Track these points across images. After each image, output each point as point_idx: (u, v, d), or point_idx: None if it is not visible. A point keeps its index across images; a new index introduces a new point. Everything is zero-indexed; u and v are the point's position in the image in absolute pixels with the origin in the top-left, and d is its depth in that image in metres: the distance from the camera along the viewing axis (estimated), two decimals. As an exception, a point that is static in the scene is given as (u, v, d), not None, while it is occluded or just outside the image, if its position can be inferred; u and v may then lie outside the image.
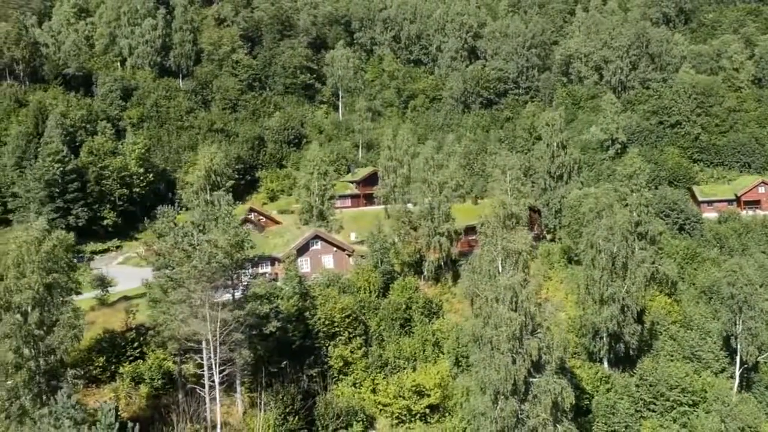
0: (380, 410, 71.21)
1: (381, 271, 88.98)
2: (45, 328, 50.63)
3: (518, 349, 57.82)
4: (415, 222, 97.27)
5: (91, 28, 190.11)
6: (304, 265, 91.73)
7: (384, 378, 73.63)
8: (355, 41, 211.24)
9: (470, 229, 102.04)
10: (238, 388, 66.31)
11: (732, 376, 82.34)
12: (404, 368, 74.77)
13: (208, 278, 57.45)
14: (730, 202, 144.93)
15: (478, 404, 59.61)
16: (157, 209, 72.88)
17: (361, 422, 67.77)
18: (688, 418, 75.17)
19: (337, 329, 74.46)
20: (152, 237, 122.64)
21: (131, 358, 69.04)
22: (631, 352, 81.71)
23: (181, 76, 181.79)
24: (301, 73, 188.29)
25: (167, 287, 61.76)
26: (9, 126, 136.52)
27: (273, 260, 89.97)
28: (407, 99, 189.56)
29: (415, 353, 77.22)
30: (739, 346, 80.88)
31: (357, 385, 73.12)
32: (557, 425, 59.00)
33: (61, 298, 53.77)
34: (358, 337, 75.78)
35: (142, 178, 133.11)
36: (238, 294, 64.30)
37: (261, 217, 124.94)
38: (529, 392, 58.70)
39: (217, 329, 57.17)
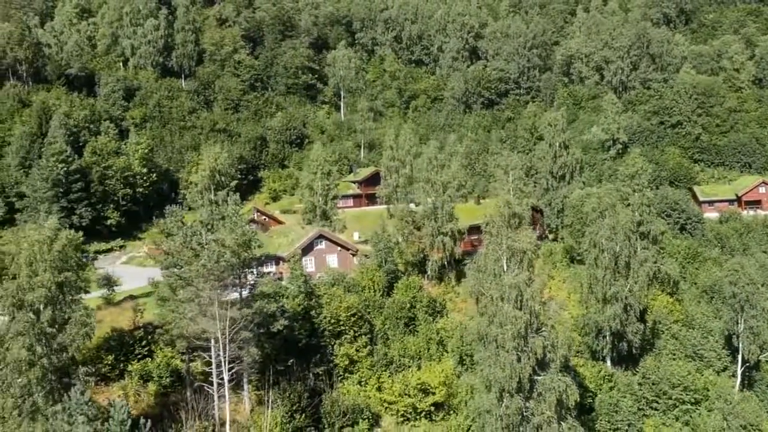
0: (385, 408, 71.87)
1: (385, 270, 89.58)
2: (57, 326, 51.25)
3: (523, 348, 58.35)
4: (419, 222, 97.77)
5: (93, 29, 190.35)
6: (309, 264, 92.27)
7: (389, 376, 74.24)
8: (356, 41, 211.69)
9: (473, 229, 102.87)
10: (246, 386, 66.87)
11: (734, 375, 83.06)
12: (409, 366, 75.37)
13: (216, 277, 58.02)
14: (730, 202, 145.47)
15: (484, 402, 60.22)
16: (165, 209, 73.09)
17: (366, 420, 68.38)
18: (691, 416, 75.93)
19: (342, 328, 75.05)
20: (156, 237, 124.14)
21: (140, 357, 69.67)
22: (633, 351, 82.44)
23: (183, 76, 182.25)
24: (302, 73, 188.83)
25: (176, 286, 62.32)
26: (13, 126, 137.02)
27: (278, 260, 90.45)
28: (408, 99, 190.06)
29: (419, 352, 77.78)
30: (740, 345, 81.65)
31: (362, 384, 73.74)
32: (561, 423, 59.53)
33: (71, 297, 54.32)
34: (363, 336, 76.39)
35: (145, 178, 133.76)
36: (245, 293, 64.80)
37: (264, 217, 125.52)
38: (534, 390, 59.25)
39: (226, 327, 57.71)
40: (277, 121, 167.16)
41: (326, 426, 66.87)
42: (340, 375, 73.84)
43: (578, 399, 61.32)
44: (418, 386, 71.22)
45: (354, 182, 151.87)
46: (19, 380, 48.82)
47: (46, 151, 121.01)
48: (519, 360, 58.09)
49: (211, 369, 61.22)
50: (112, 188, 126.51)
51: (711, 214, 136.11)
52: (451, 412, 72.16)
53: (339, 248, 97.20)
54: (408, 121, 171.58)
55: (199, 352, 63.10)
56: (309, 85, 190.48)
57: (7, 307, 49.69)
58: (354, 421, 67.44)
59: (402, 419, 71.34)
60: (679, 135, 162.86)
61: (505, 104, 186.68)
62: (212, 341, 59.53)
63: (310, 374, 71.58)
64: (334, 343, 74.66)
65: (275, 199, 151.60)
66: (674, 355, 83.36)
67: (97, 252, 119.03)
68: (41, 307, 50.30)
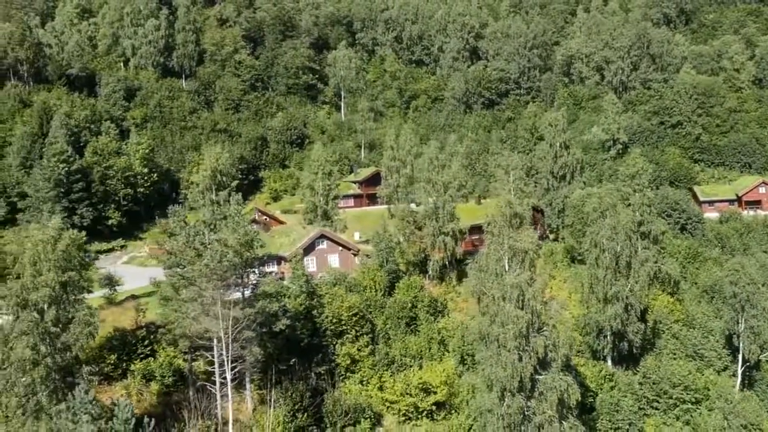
0: (387, 407, 72.05)
1: (386, 270, 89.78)
2: (61, 325, 51.48)
3: (525, 347, 58.53)
4: (420, 222, 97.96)
5: (94, 29, 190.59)
6: (310, 264, 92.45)
7: (391, 376, 74.42)
8: (356, 42, 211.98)
9: (474, 229, 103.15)
10: (248, 386, 67.13)
11: (734, 375, 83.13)
12: (410, 366, 75.56)
13: (219, 276, 58.21)
14: (731, 202, 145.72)
15: (485, 401, 60.39)
16: (167, 209, 73.24)
17: (368, 419, 68.57)
18: (691, 416, 76.05)
19: (344, 327, 75.24)
20: (157, 237, 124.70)
21: (142, 356, 69.88)
22: (634, 351, 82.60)
23: (184, 76, 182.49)
24: (303, 73, 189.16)
25: (179, 285, 62.52)
26: (14, 126, 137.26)
27: (279, 259, 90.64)
28: (409, 99, 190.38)
29: (421, 351, 77.97)
30: (741, 345, 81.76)
31: (364, 383, 73.93)
32: (563, 422, 59.76)
33: (74, 297, 54.54)
34: (365, 336, 76.58)
35: (146, 178, 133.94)
36: (247, 292, 64.99)
37: (265, 217, 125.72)
38: (536, 389, 59.43)
39: (229, 327, 57.90)
40: (277, 122, 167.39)
41: (328, 425, 67.07)
42: (342, 374, 74.02)
43: (579, 398, 61.49)
44: (420, 386, 71.40)
45: (354, 182, 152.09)
46: (23, 379, 49.06)
47: (47, 151, 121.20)
48: (520, 359, 58.28)
49: (214, 368, 61.37)
50: (113, 188, 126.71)
51: (711, 214, 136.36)
52: (453, 411, 72.34)
53: (340, 248, 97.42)
54: (408, 122, 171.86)
55: (201, 351, 63.29)
56: (309, 86, 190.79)
57: (12, 306, 49.93)
58: (356, 421, 67.62)
59: (404, 418, 71.53)
60: (680, 135, 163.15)
61: (505, 104, 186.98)
62: (215, 341, 59.74)
63: (312, 374, 71.81)
64: (336, 343, 74.85)
65: (276, 199, 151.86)
66: (675, 354, 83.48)
67: (98, 252, 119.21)
68: (45, 306, 50.56)
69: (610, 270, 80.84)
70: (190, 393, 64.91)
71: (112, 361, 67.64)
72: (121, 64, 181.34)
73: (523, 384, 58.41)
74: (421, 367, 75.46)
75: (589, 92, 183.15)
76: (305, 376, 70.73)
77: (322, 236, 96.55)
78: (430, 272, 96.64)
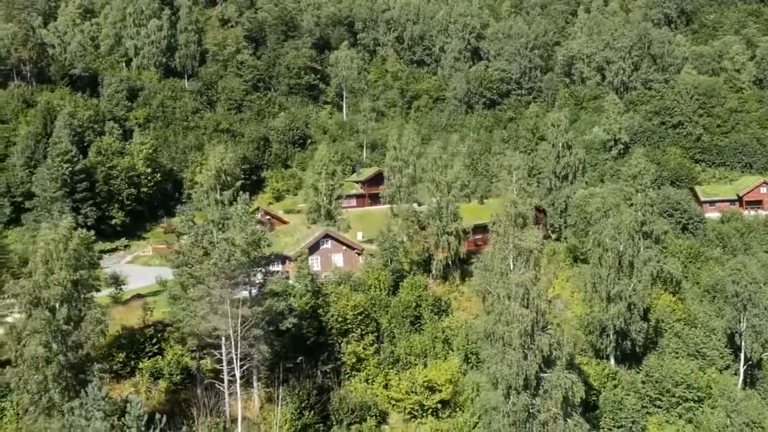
0: (392, 405, 72.57)
1: (391, 269, 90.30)
2: (72, 323, 52.02)
3: (530, 345, 59.13)
4: (424, 221, 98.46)
5: (96, 29, 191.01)
6: (315, 263, 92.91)
7: (396, 374, 74.97)
8: (358, 42, 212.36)
9: (477, 229, 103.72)
10: (255, 383, 67.66)
11: (736, 373, 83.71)
12: (415, 365, 76.07)
13: (227, 275, 58.72)
14: (732, 202, 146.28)
15: (491, 399, 60.97)
16: (174, 209, 73.72)
17: (374, 417, 69.07)
18: (694, 414, 76.64)
19: (349, 326, 75.73)
20: (161, 236, 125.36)
21: (150, 354, 70.46)
22: (637, 349, 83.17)
23: (186, 76, 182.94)
24: (305, 73, 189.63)
25: (187, 284, 63.04)
26: (18, 126, 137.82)
27: (284, 259, 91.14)
28: (410, 99, 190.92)
29: (425, 350, 78.50)
30: (743, 344, 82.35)
31: (369, 381, 74.45)
32: (567, 419, 60.33)
33: (84, 295, 55.08)
34: (370, 334, 77.06)
35: (149, 177, 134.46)
36: (254, 291, 65.51)
37: (268, 217, 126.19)
38: (540, 387, 60.02)
39: (238, 325, 58.42)
40: (279, 122, 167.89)
41: (334, 423, 67.63)
42: (348, 373, 74.52)
43: (584, 396, 62.07)
44: (425, 384, 71.89)
45: (357, 182, 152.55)
46: (36, 376, 49.59)
47: (51, 151, 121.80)
48: (525, 357, 58.89)
49: (221, 366, 61.87)
50: (117, 188, 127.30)
51: (712, 214, 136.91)
52: (458, 409, 72.84)
53: (344, 247, 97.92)
54: (410, 122, 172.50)
55: (209, 349, 63.81)
56: (311, 86, 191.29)
57: (24, 304, 50.50)
58: (362, 418, 68.19)
59: (409, 416, 72.02)
60: (681, 135, 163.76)
61: (506, 104, 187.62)
62: (223, 339, 60.22)
63: (318, 372, 72.33)
64: (342, 342, 75.37)
65: (278, 199, 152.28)
66: (677, 353, 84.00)
67: (102, 251, 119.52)
68: (57, 304, 51.10)
69: (613, 269, 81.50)
70: (198, 391, 65.46)
71: (121, 359, 68.25)
72: (124, 64, 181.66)
73: (528, 382, 59.00)
74: (425, 366, 75.97)
75: (590, 92, 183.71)
76: (311, 374, 71.23)
77: (327, 236, 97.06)
78: (434, 272, 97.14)
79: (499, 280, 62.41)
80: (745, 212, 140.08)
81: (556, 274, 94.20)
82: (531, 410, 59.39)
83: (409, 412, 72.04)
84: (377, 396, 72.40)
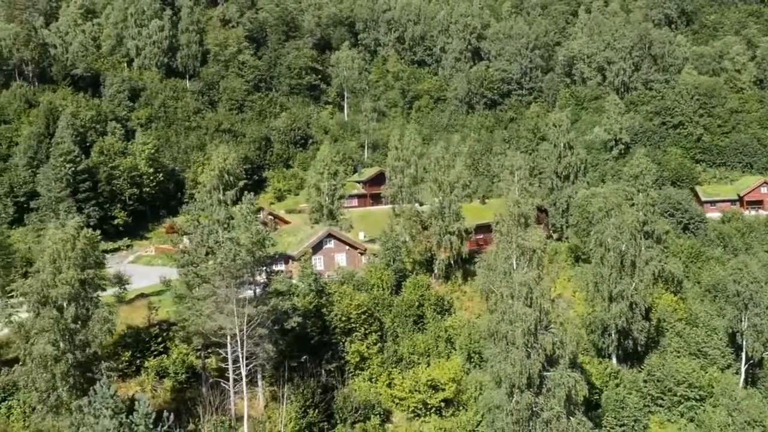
0: (396, 404, 72.87)
1: (393, 269, 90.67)
2: (80, 322, 52.38)
3: (533, 344, 59.52)
4: (426, 221, 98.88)
5: (97, 29, 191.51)
6: (318, 263, 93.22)
7: (399, 373, 75.28)
8: (359, 42, 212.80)
9: (479, 228, 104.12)
10: (260, 382, 68.03)
11: (737, 372, 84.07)
12: (418, 363, 76.40)
13: (232, 275, 59.08)
14: (732, 202, 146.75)
15: (494, 397, 61.38)
16: (178, 208, 74.06)
17: (378, 415, 69.42)
18: (696, 413, 77.07)
19: (353, 325, 76.08)
20: (163, 236, 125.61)
21: (155, 353, 70.85)
22: (638, 349, 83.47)
23: (187, 76, 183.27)
24: (306, 73, 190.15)
25: (193, 284, 63.40)
26: (20, 126, 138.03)
27: (287, 258, 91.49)
28: (411, 100, 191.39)
29: (428, 349, 78.84)
30: (744, 343, 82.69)
31: (373, 380, 74.74)
32: (570, 418, 60.70)
33: (90, 294, 55.44)
34: (373, 333, 77.39)
35: (151, 178, 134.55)
36: (258, 290, 65.87)
37: (271, 216, 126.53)
38: (544, 386, 60.38)
39: (244, 324, 58.79)
40: (281, 122, 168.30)
41: (338, 421, 67.94)
42: (351, 371, 74.86)
43: (587, 394, 62.48)
44: (428, 383, 72.19)
45: (358, 182, 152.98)
46: (44, 375, 49.95)
47: (54, 151, 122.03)
48: (529, 356, 59.26)
49: (226, 365, 62.21)
50: (119, 188, 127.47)
51: (713, 214, 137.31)
52: (461, 408, 73.18)
53: (347, 247, 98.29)
54: (411, 122, 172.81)
55: (214, 348, 64.16)
56: (312, 86, 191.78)
57: (33, 303, 50.88)
58: (365, 417, 68.50)
59: (412, 415, 72.35)
60: (681, 135, 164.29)
61: (507, 105, 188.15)
62: (228, 338, 60.56)
63: (322, 371, 72.65)
64: (345, 341, 75.70)
65: (280, 199, 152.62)
66: (678, 352, 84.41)
67: (105, 251, 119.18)
68: (65, 303, 51.47)
69: (615, 269, 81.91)
70: (204, 389, 65.83)
71: (127, 358, 68.62)
72: (125, 64, 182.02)
73: (532, 380, 59.36)
74: (428, 365, 76.28)
75: (590, 93, 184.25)
76: (316, 373, 71.54)
77: (330, 235, 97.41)
78: (436, 271, 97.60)
79: (503, 279, 62.82)
80: (746, 212, 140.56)
81: (558, 274, 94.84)
82: (534, 409, 59.76)
83: (413, 411, 72.39)
84: (381, 395, 72.67)
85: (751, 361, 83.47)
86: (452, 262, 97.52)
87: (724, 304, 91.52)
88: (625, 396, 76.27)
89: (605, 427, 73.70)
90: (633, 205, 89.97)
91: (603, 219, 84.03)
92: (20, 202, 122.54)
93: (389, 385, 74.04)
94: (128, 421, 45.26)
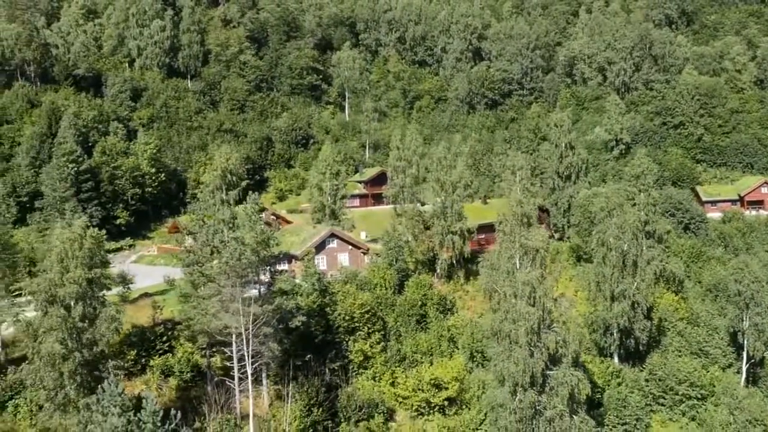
0: (400, 403, 73.26)
1: (396, 268, 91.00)
2: (87, 321, 52.77)
3: (536, 343, 59.83)
4: (428, 221, 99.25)
5: (99, 29, 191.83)
6: (321, 262, 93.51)
7: (403, 372, 75.65)
8: (360, 42, 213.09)
9: (481, 228, 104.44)
10: (264, 381, 68.43)
11: (739, 371, 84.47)
12: (421, 362, 76.80)
13: (238, 274, 59.43)
14: (733, 202, 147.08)
15: (497, 396, 61.70)
16: (180, 208, 74.45)
17: (381, 414, 69.73)
18: (697, 412, 77.50)
19: (356, 324, 76.46)
20: (165, 236, 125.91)
21: (160, 352, 71.25)
22: (640, 348, 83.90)
23: (189, 76, 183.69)
24: (307, 74, 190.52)
25: (198, 283, 63.77)
26: (22, 126, 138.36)
27: (290, 258, 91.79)
28: (412, 100, 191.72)
29: (431, 348, 79.21)
30: (745, 342, 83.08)
31: (377, 379, 75.13)
32: (573, 416, 61.06)
33: (97, 293, 55.83)
34: (376, 333, 77.79)
35: (153, 177, 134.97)
36: (263, 290, 66.23)
37: (273, 216, 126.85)
38: (547, 384, 60.72)
39: (249, 323, 59.14)
40: (282, 122, 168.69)
41: (342, 420, 68.32)
42: (355, 370, 75.28)
43: (589, 393, 62.82)
44: (432, 381, 72.64)
45: (360, 182, 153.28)
46: (52, 373, 50.32)
47: (56, 151, 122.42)
48: (532, 355, 59.60)
49: (231, 364, 62.58)
50: (122, 188, 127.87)
51: (714, 214, 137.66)
52: (464, 406, 73.55)
53: (350, 247, 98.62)
54: (412, 122, 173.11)
55: (219, 347, 64.54)
56: (314, 86, 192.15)
57: (40, 302, 51.27)
58: (369, 416, 68.87)
59: (416, 413, 72.76)
60: (682, 135, 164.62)
61: (508, 105, 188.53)
62: (233, 336, 60.91)
63: (326, 369, 73.05)
64: (349, 340, 76.10)
65: (281, 199, 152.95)
66: (680, 351, 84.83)
67: (107, 251, 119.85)
68: (72, 302, 51.84)
69: (617, 268, 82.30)
70: (209, 388, 66.22)
71: (132, 357, 68.98)
72: (127, 64, 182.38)
73: (535, 379, 59.70)
74: (431, 364, 76.69)
75: (591, 93, 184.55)
76: (320, 371, 71.99)
77: (333, 235, 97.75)
78: (439, 271, 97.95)
79: (506, 278, 63.19)
80: (747, 212, 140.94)
81: (560, 273, 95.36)
82: (537, 407, 60.09)
83: (416, 410, 72.80)
84: (384, 393, 73.08)
85: (752, 361, 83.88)
86: (454, 261, 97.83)
87: (725, 303, 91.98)
88: (627, 395, 76.64)
89: (607, 425, 74.05)
90: (634, 205, 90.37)
91: (605, 219, 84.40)
92: (23, 202, 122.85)
93: (393, 384, 74.45)
94: (136, 419, 45.61)
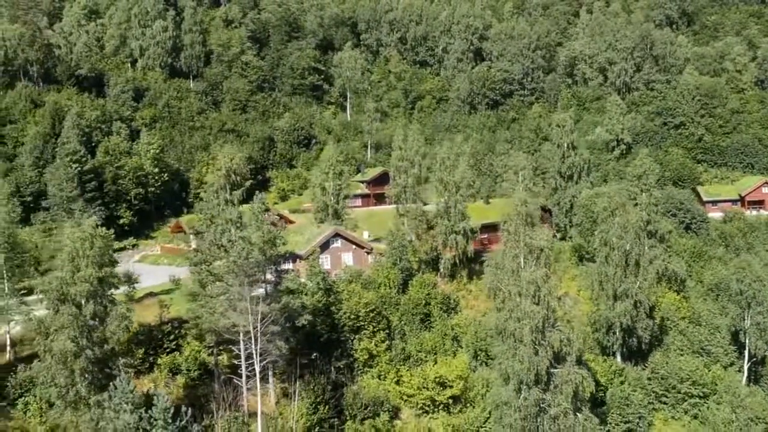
0: (405, 401, 73.81)
1: (400, 268, 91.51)
2: (98, 319, 53.34)
3: (540, 341, 60.34)
4: (432, 221, 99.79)
5: (101, 30, 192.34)
6: (325, 262, 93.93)
7: (407, 370, 76.19)
8: (361, 42, 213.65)
9: (484, 228, 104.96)
10: (271, 379, 68.99)
11: (740, 370, 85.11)
12: (426, 361, 77.36)
13: (245, 273, 59.95)
14: (734, 202, 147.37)
15: (502, 394, 62.22)
16: (193, 207, 74.82)
17: (387, 412, 70.27)
18: (700, 410, 78.11)
19: (361, 323, 77.02)
20: (168, 235, 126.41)
21: (168, 350, 71.84)
22: (643, 347, 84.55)
23: (191, 77, 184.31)
24: (309, 74, 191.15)
25: (206, 282, 64.30)
26: (26, 126, 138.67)
27: (294, 257, 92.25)
28: (414, 100, 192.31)
29: (435, 347, 79.78)
30: (747, 341, 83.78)
31: (382, 377, 75.64)
32: (577, 414, 61.63)
33: (107, 292, 56.39)
34: (381, 331, 78.34)
35: (156, 177, 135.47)
36: (269, 288, 66.74)
37: (278, 216, 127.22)
38: (551, 382, 61.27)
39: (258, 321, 59.68)
40: (284, 122, 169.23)
41: (348, 418, 68.89)
42: (360, 369, 75.88)
43: (593, 391, 63.34)
44: (436, 380, 73.21)
45: (362, 182, 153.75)
46: (64, 371, 50.84)
47: (60, 151, 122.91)
48: (536, 353, 60.10)
49: (239, 362, 63.11)
50: (125, 188, 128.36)
51: (715, 214, 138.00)
52: (468, 404, 74.09)
53: (354, 246, 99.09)
54: (413, 122, 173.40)
55: (226, 345, 65.06)
56: (315, 86, 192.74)
57: (52, 300, 51.83)
58: (375, 413, 69.38)
59: (421, 411, 73.34)
60: (683, 136, 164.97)
61: (509, 105, 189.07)
62: (241, 335, 61.42)
63: (332, 368, 73.69)
64: (354, 338, 76.68)
65: (283, 198, 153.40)
66: (682, 350, 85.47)
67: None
68: (83, 301, 52.40)
69: (619, 268, 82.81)
70: (216, 386, 66.75)
71: (140, 355, 69.50)
72: (129, 64, 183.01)
73: (539, 377, 60.24)
74: (435, 362, 77.25)
75: (592, 93, 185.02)
76: (325, 370, 72.64)
77: (337, 235, 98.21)
78: (442, 270, 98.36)
79: (511, 277, 63.72)
80: (748, 212, 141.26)
81: (564, 272, 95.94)
82: (542, 405, 60.64)
83: (421, 408, 73.39)
84: (389, 392, 73.60)
85: (754, 359, 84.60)
86: (458, 261, 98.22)
87: (726, 302, 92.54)
88: (630, 393, 77.16)
89: (610, 423, 74.62)
90: (636, 204, 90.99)
91: (608, 218, 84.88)
92: (27, 202, 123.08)
93: (398, 382, 75.02)
94: (147, 415, 46.12)
